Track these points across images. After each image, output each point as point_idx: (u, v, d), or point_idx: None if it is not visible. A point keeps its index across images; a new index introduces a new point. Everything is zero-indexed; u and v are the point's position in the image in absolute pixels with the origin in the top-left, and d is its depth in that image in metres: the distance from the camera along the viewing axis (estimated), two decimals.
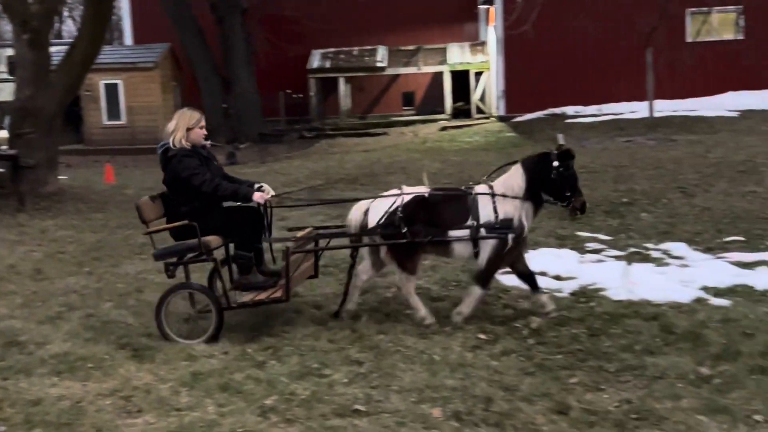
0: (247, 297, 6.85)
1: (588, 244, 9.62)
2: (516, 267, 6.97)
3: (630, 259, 8.78)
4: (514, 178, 6.80)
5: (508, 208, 6.69)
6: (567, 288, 7.74)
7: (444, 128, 25.15)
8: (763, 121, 20.99)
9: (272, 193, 7.03)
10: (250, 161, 20.74)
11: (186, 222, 6.69)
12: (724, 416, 4.80)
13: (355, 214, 7.08)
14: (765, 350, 5.68)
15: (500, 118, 25.82)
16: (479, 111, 27.14)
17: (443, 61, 27.71)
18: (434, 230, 6.70)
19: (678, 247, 9.23)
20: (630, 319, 6.57)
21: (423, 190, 6.96)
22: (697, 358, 5.67)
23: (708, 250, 9.16)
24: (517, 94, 25.82)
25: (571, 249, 9.36)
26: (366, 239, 7.03)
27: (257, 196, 6.84)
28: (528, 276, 6.98)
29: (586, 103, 25.28)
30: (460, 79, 27.48)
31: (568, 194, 6.78)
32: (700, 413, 4.86)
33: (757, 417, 4.76)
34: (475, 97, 27.21)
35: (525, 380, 5.48)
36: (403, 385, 5.49)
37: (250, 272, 7.00)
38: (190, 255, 6.77)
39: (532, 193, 6.75)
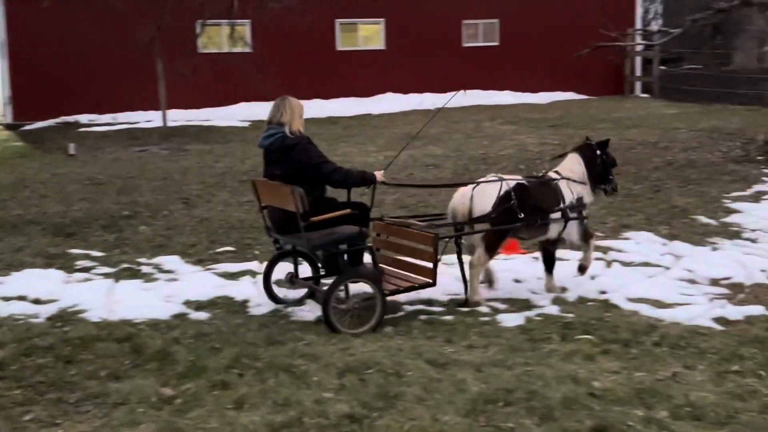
0: (390, 285, 6.95)
1: (78, 262, 9.17)
2: (548, 247, 7.81)
3: (119, 276, 8.53)
4: (577, 165, 7.87)
5: (579, 189, 7.77)
6: (44, 312, 7.24)
7: None
8: None
9: None
10: None
11: (349, 211, 6.80)
12: None
13: (461, 201, 7.45)
14: (229, 364, 5.77)
15: (7, 126, 24.06)
16: None
17: None
18: (541, 214, 7.49)
19: (170, 261, 9.19)
20: (103, 343, 6.30)
21: (518, 177, 7.72)
22: (162, 379, 5.58)
23: (199, 262, 9.25)
24: (25, 101, 24.24)
25: (59, 269, 8.85)
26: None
27: (379, 176, 7.13)
28: (551, 257, 7.80)
29: (101, 111, 24.58)
30: None
31: (611, 177, 8.03)
32: None
33: None
34: None
35: None
36: None
37: (362, 262, 7.09)
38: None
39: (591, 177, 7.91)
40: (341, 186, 7.03)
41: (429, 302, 7.34)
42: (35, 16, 23.39)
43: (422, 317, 6.95)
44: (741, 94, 25.33)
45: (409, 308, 7.18)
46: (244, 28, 24.73)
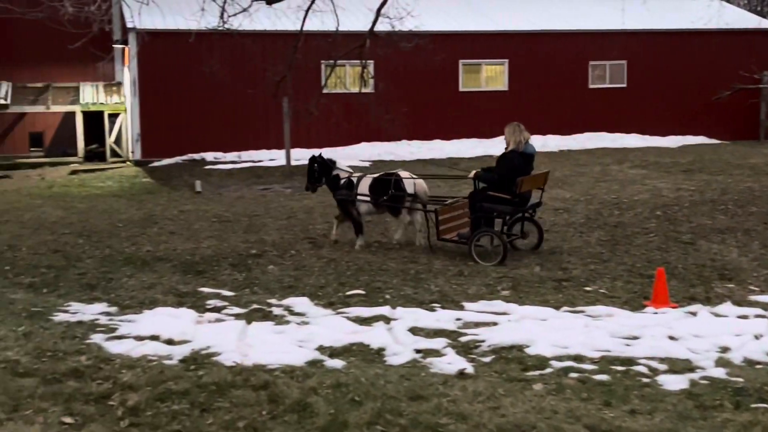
0: None
1: (209, 302, 9.05)
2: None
3: (250, 317, 8.32)
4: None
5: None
6: (178, 354, 7.03)
7: (74, 172, 23.46)
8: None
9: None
10: None
11: None
12: None
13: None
14: (371, 420, 5.40)
15: (136, 163, 24.69)
16: (114, 154, 25.76)
17: (75, 101, 26.02)
18: None
19: (301, 303, 8.97)
20: (239, 390, 6.01)
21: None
22: None
23: (330, 305, 8.98)
24: (154, 138, 24.84)
25: (191, 307, 8.71)
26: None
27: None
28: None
29: (225, 150, 24.94)
30: (95, 120, 25.97)
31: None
32: None
33: None
34: (110, 139, 25.81)
35: None
36: None
37: None
38: None
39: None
40: None
41: (578, 358, 6.81)
42: (166, 55, 24.04)
43: (573, 375, 6.43)
44: None
45: (558, 364, 6.67)
46: (369, 68, 24.76)
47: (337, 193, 12.48)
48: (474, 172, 11.39)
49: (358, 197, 12.15)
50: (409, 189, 11.98)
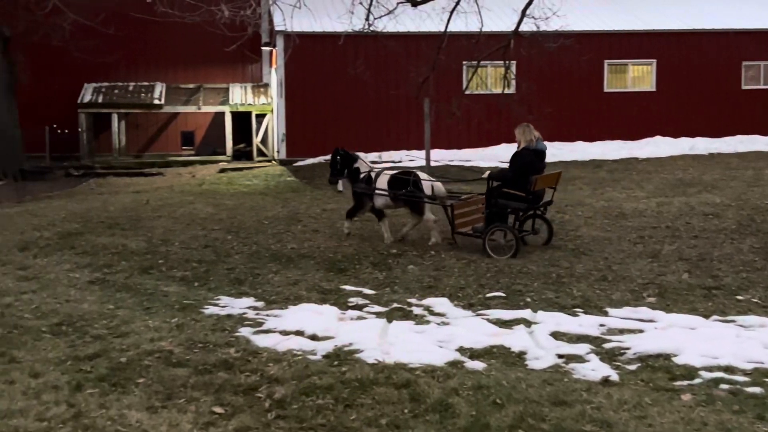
0: None
1: (351, 299, 9.20)
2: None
3: (391, 316, 8.42)
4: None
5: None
6: (321, 349, 7.19)
7: (223, 170, 24.36)
8: None
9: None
10: (5, 199, 19.03)
11: None
12: None
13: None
14: (513, 423, 5.37)
15: (281, 162, 25.38)
16: (261, 154, 26.59)
17: (225, 102, 27.00)
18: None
19: (440, 303, 9.00)
20: (381, 387, 6.09)
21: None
22: None
23: (469, 306, 8.97)
24: (298, 138, 25.48)
25: (333, 304, 8.89)
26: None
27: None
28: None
29: (367, 150, 25.23)
30: (242, 120, 26.87)
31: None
32: None
33: None
34: (256, 139, 26.64)
35: None
36: None
37: None
38: None
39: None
40: None
41: (729, 370, 6.56)
42: (312, 57, 24.58)
43: (724, 386, 6.19)
44: None
45: (707, 375, 6.45)
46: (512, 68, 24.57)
47: (356, 186, 12.75)
48: (487, 172, 12.09)
49: (377, 191, 12.49)
50: (427, 191, 12.28)
